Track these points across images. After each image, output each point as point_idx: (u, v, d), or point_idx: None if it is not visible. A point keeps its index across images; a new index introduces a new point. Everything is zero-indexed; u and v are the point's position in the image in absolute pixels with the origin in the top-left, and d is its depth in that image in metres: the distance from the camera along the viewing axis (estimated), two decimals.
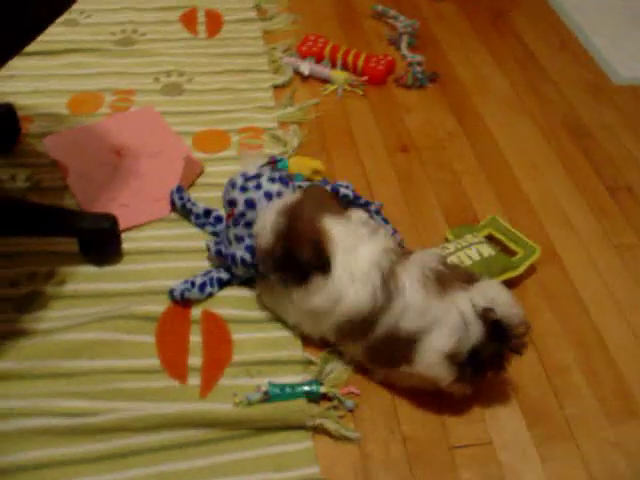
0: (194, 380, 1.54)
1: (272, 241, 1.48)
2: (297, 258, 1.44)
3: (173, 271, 1.76)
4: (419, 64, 2.60)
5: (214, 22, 2.61)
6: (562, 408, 1.61)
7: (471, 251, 1.82)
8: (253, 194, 1.60)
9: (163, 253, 1.81)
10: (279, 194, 1.61)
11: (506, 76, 2.68)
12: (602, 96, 2.63)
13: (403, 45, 2.71)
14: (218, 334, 1.64)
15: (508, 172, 2.26)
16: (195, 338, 1.62)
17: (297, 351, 1.62)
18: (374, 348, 1.49)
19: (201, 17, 2.62)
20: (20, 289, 1.67)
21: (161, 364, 1.55)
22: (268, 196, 1.60)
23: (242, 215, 1.61)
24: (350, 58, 2.53)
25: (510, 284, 1.79)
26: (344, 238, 1.44)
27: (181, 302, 1.67)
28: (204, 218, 1.88)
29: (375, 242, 1.47)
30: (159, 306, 1.66)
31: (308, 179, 2.04)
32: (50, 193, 1.95)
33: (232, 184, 1.65)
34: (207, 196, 1.97)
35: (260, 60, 2.53)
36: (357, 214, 1.51)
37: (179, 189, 1.91)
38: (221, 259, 1.70)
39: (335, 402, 1.53)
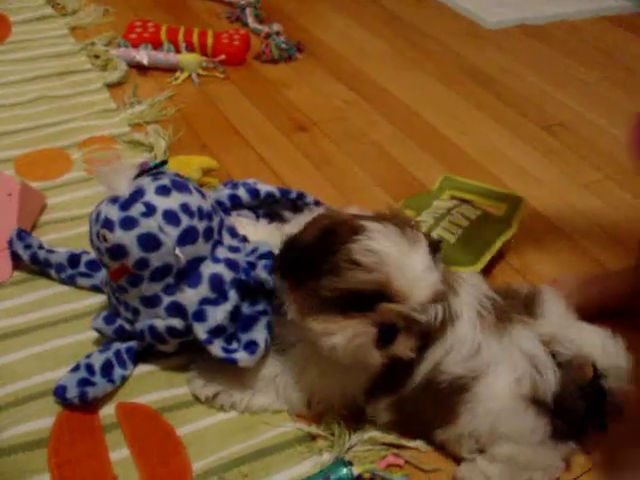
0: None
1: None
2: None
3: (46, 359, 1.08)
4: (278, 34, 2.11)
5: None
6: None
7: (455, 217, 1.35)
8: (146, 224, 0.96)
9: (18, 335, 1.13)
10: (187, 208, 0.99)
11: (378, 37, 2.31)
12: (482, 42, 2.37)
13: (250, 19, 2.22)
14: (155, 437, 0.99)
15: (433, 131, 1.84)
16: (119, 454, 0.97)
17: (287, 425, 1.02)
18: (405, 404, 0.99)
19: None
20: None
21: None
22: (172, 218, 0.98)
23: (143, 264, 0.97)
24: (195, 38, 1.98)
25: (502, 251, 1.40)
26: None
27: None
28: (71, 268, 1.21)
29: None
30: (42, 420, 0.98)
31: (200, 183, 1.45)
32: None
33: (105, 223, 0.97)
34: (58, 237, 1.33)
35: (79, 59, 1.91)
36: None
37: (21, 233, 1.23)
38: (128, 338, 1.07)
39: None
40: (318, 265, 0.88)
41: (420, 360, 0.95)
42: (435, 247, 0.93)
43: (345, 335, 0.88)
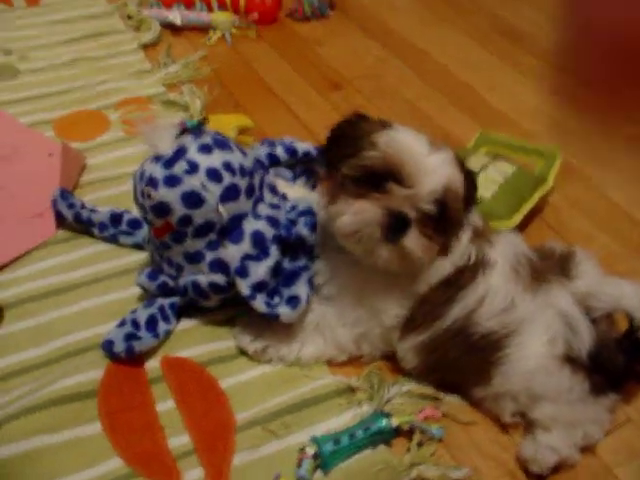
0: (193, 474, 0.92)
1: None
2: None
3: (93, 314, 1.12)
4: None
5: None
6: None
7: (490, 173, 1.35)
8: (190, 182, 0.98)
9: (65, 291, 1.16)
10: (229, 165, 1.01)
11: None
12: None
13: None
14: (199, 389, 1.03)
15: (465, 88, 1.82)
16: (165, 405, 1.01)
17: (327, 378, 1.05)
18: (435, 348, 1.00)
19: None
20: None
21: (127, 463, 0.92)
22: (214, 175, 0.99)
23: (186, 221, 1.00)
24: None
25: (538, 208, 1.39)
26: None
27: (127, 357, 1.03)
28: (113, 227, 1.24)
29: None
30: (92, 372, 1.02)
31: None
32: None
33: (149, 181, 0.99)
34: (98, 197, 1.36)
35: (112, 20, 1.92)
36: None
37: (64, 193, 1.26)
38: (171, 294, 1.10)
39: (418, 436, 0.98)
40: (345, 149, 0.93)
41: (452, 301, 0.97)
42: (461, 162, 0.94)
43: (351, 212, 0.90)
